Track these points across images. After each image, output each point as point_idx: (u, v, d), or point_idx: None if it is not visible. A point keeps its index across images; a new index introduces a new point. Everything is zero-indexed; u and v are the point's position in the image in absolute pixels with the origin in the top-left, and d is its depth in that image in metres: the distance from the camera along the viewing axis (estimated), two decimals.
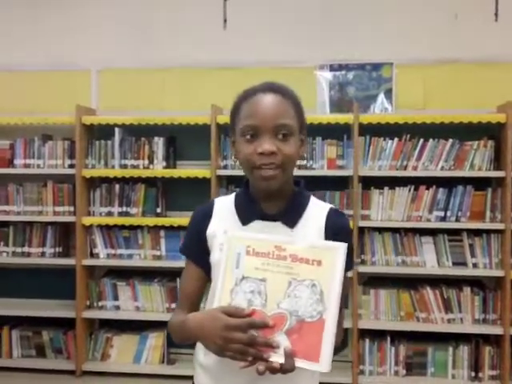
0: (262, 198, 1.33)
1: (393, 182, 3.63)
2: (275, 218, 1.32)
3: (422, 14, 3.80)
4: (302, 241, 1.18)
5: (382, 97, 3.83)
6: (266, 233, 1.24)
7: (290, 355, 1.10)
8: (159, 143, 3.84)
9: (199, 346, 1.37)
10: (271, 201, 1.32)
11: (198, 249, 1.37)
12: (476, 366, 3.58)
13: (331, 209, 1.36)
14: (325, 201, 1.44)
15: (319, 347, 1.10)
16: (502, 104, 3.58)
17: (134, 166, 3.84)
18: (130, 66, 4.05)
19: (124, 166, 3.84)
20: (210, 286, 1.36)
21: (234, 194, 1.41)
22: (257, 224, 1.32)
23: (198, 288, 1.39)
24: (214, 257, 1.33)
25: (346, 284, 1.19)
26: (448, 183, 3.60)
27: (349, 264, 1.19)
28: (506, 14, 3.73)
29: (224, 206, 1.38)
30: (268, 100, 1.27)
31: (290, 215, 1.32)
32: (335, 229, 1.31)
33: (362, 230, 3.64)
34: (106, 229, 3.89)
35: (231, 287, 1.16)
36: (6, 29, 4.14)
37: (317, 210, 1.35)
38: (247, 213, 1.33)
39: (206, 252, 1.36)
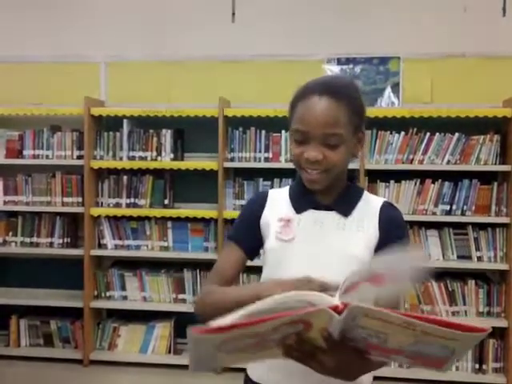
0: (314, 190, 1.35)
1: (399, 176, 3.65)
2: (329, 207, 1.34)
3: (430, 8, 3.81)
4: (356, 230, 1.29)
5: (388, 91, 3.85)
6: (320, 222, 1.31)
7: None
8: (167, 135, 3.86)
9: None
10: (324, 193, 1.34)
11: (246, 232, 1.39)
12: (480, 358, 3.61)
13: (385, 201, 1.38)
14: None
15: None
16: (507, 98, 3.60)
17: (142, 158, 3.87)
18: (138, 59, 4.07)
19: (132, 158, 3.87)
20: (265, 272, 1.38)
21: (287, 186, 1.43)
22: (310, 213, 1.34)
23: (235, 268, 1.37)
24: (270, 244, 1.35)
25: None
26: (454, 177, 3.62)
27: None
28: None
29: (278, 195, 1.41)
30: (321, 107, 1.24)
31: (344, 205, 1.34)
32: (389, 220, 1.33)
33: None
34: (114, 220, 3.92)
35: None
36: (16, 20, 4.16)
37: (371, 201, 1.37)
38: (301, 202, 1.36)
39: (255, 238, 1.38)
